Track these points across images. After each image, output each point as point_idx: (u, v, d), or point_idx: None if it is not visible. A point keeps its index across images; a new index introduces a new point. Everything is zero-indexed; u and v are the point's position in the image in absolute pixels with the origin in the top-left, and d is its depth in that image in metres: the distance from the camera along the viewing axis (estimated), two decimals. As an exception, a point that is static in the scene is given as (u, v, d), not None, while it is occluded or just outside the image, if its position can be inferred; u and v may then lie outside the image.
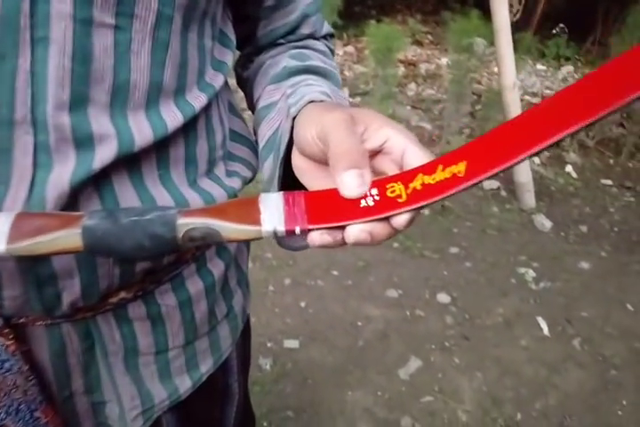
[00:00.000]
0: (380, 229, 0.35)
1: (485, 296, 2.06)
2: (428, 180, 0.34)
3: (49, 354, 0.49)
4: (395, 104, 3.08)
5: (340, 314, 1.90)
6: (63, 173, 0.40)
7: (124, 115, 0.43)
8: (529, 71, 4.00)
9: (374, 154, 0.38)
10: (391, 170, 0.38)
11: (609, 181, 3.00)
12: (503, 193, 2.75)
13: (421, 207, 0.34)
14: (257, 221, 0.35)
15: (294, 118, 0.44)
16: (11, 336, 0.44)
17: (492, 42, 2.83)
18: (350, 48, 3.95)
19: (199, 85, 0.48)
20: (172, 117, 0.45)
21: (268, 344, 1.74)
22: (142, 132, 0.43)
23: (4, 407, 0.45)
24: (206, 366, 0.61)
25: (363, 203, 0.35)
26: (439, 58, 3.90)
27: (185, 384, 0.59)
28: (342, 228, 0.35)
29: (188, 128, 0.48)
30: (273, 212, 0.36)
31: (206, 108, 0.50)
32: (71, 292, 0.45)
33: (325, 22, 0.63)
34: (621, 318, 2.02)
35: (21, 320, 0.46)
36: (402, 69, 3.67)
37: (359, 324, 1.87)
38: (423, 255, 2.25)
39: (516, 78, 2.47)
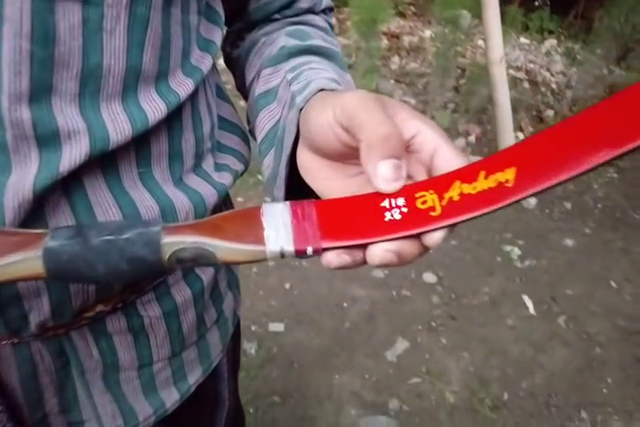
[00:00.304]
0: (409, 248, 0.29)
1: (471, 275, 2.05)
2: (468, 189, 0.28)
3: (18, 375, 0.44)
4: (379, 78, 3.01)
5: (326, 295, 1.87)
6: (24, 178, 0.34)
7: (97, 106, 0.36)
8: (513, 45, 3.93)
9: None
10: (418, 172, 0.32)
11: (592, 157, 2.99)
12: (488, 170, 2.72)
13: (459, 223, 0.28)
14: (260, 240, 0.30)
15: (301, 109, 0.37)
16: None
17: (476, 14, 2.76)
18: (332, 19, 3.84)
19: (184, 69, 0.42)
20: (154, 108, 0.39)
21: (253, 328, 1.70)
22: (118, 126, 0.37)
23: None
24: (195, 377, 0.56)
25: (388, 216, 0.29)
26: (422, 30, 3.81)
27: (172, 397, 0.54)
28: (363, 246, 0.30)
29: (172, 119, 0.42)
30: (279, 227, 0.30)
31: (192, 95, 0.43)
32: (39, 312, 0.40)
33: None
34: (605, 296, 2.02)
35: None
36: (385, 42, 3.57)
37: (345, 305, 1.84)
38: (408, 234, 2.22)
39: (503, 53, 2.42)
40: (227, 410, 0.67)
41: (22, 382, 0.44)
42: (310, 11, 0.54)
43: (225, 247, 0.30)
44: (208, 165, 0.48)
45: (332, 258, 0.30)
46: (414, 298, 1.91)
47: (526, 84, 3.52)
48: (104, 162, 0.38)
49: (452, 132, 2.91)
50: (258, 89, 0.47)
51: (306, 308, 1.80)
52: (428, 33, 3.72)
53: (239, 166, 0.52)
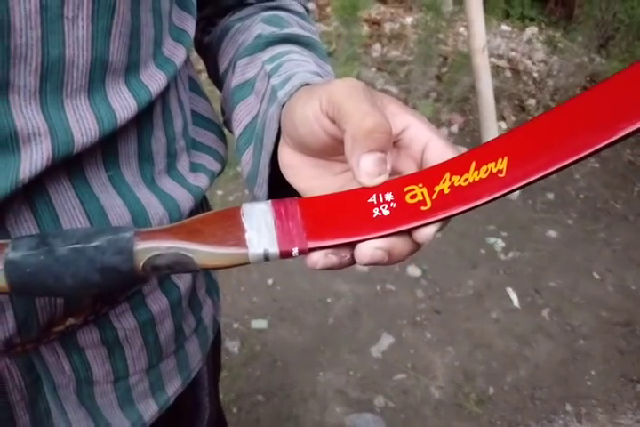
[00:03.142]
0: (400, 245, 0.28)
1: (455, 268, 2.03)
2: (459, 181, 0.27)
3: None
4: (360, 66, 2.96)
5: (309, 291, 1.83)
6: None
7: (59, 104, 0.32)
8: (494, 33, 3.90)
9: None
10: (408, 168, 0.30)
11: (574, 147, 2.99)
12: (470, 160, 2.71)
13: (451, 216, 0.27)
14: (241, 242, 0.27)
15: (284, 105, 0.34)
16: None
17: (458, 1, 2.72)
18: (311, 5, 3.77)
19: (156, 61, 0.38)
20: (123, 105, 0.35)
21: (235, 325, 1.66)
22: (84, 125, 0.33)
23: None
24: (174, 388, 0.53)
25: (376, 212, 0.28)
26: (404, 17, 3.76)
27: (150, 410, 0.51)
28: (351, 244, 0.28)
29: (142, 117, 0.38)
30: (261, 228, 0.28)
31: (164, 91, 0.39)
32: (4, 329, 0.36)
33: None
34: (588, 287, 2.02)
35: None
36: (366, 29, 3.52)
37: (329, 300, 1.81)
38: (392, 226, 2.20)
39: (485, 42, 2.39)
40: (207, 418, 0.64)
41: None
42: None
43: (204, 252, 0.27)
44: (183, 165, 0.44)
45: (319, 259, 0.28)
46: (398, 292, 1.88)
47: (508, 73, 3.51)
48: (69, 166, 0.35)
49: (434, 122, 2.88)
50: (234, 80, 0.44)
51: (289, 304, 1.77)
52: (409, 20, 3.68)
53: (216, 166, 0.49)
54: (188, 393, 0.56)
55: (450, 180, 0.27)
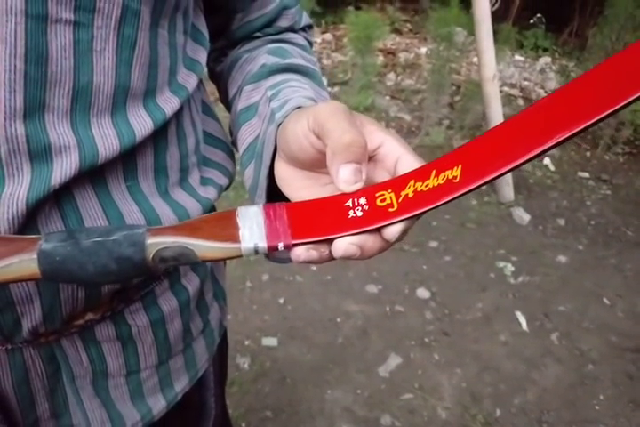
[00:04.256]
0: (371, 241, 0.32)
1: (465, 291, 2.05)
2: (421, 187, 0.31)
3: (11, 379, 0.45)
4: (374, 94, 3.04)
5: (319, 310, 1.87)
6: (18, 191, 0.36)
7: (87, 122, 0.38)
8: (507, 62, 3.98)
9: (369, 158, 0.34)
10: (383, 179, 0.35)
11: (586, 174, 3.01)
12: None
13: (414, 216, 0.31)
14: (235, 238, 0.32)
15: (280, 125, 0.39)
16: None
17: (471, 31, 2.80)
18: (329, 36, 3.88)
19: (171, 87, 0.44)
20: (141, 124, 0.41)
21: (246, 342, 1.70)
22: (107, 141, 0.39)
23: None
24: (181, 385, 0.57)
25: (351, 214, 0.32)
26: (418, 47, 3.85)
27: (159, 405, 0.55)
28: (329, 241, 0.32)
29: (158, 134, 0.43)
30: (253, 227, 0.33)
31: (178, 112, 0.45)
32: (31, 318, 0.41)
33: (304, 13, 0.59)
34: (598, 312, 2.03)
35: None
36: (381, 58, 3.62)
37: (338, 320, 1.84)
38: (403, 249, 2.23)
39: (496, 70, 2.45)
40: (213, 420, 0.67)
41: (15, 387, 0.46)
42: (290, 29, 0.56)
43: (203, 245, 0.32)
44: (194, 179, 0.49)
45: (301, 252, 0.32)
46: (407, 314, 1.91)
47: (520, 101, 3.56)
48: (93, 175, 0.40)
49: (446, 148, 2.93)
50: (240, 104, 0.49)
51: (299, 323, 1.81)
52: (423, 50, 3.77)
53: (224, 181, 0.54)
54: (194, 392, 0.60)
55: (414, 186, 0.31)
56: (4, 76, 0.33)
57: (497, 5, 4.26)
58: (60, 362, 0.47)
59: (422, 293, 2.01)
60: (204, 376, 0.62)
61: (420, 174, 0.32)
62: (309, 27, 0.60)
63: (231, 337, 1.68)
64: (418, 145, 2.95)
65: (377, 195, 0.32)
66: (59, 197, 0.38)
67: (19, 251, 0.31)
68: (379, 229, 0.32)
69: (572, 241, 2.45)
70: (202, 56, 0.48)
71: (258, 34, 0.55)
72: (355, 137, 0.31)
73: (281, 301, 1.88)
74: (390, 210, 0.32)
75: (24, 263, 0.31)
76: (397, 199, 0.32)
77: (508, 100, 3.54)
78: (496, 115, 2.53)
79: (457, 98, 3.29)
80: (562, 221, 2.58)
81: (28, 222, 0.37)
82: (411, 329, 1.85)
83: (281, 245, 0.32)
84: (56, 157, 0.37)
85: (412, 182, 0.32)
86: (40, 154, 0.36)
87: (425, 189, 0.31)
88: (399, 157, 0.34)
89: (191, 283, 0.54)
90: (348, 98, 2.88)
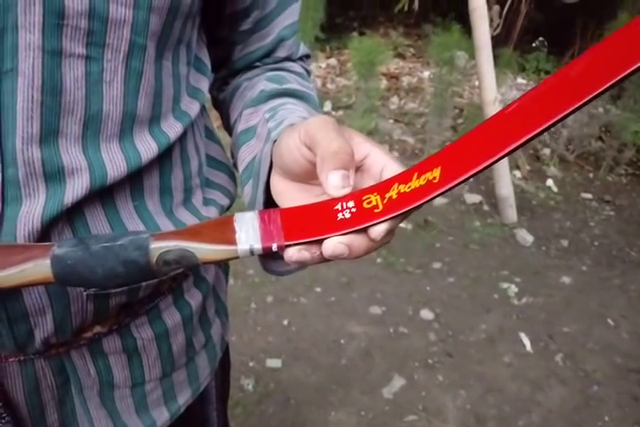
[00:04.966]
0: (358, 241, 0.34)
1: (468, 312, 2.06)
2: (404, 188, 0.33)
3: (23, 390, 0.48)
4: (377, 117, 3.08)
5: (323, 332, 1.88)
6: (34, 209, 0.39)
7: (97, 146, 0.41)
8: (510, 85, 4.03)
9: (357, 168, 0.37)
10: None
11: (589, 195, 3.03)
12: (485, 207, 2.76)
13: (397, 216, 0.33)
14: (232, 241, 0.34)
15: (275, 142, 0.42)
16: None
17: (473, 55, 2.86)
18: (333, 61, 3.96)
19: (174, 114, 0.47)
20: (147, 148, 0.44)
21: (251, 364, 1.71)
22: (115, 163, 0.42)
23: None
24: (184, 398, 0.59)
25: (339, 216, 0.35)
26: (421, 71, 3.92)
27: (162, 417, 0.57)
28: (320, 242, 0.34)
29: (163, 157, 0.47)
30: (248, 230, 0.35)
31: (181, 137, 0.49)
32: (44, 329, 0.44)
33: (302, 44, 0.62)
34: (602, 333, 2.03)
35: None
36: (384, 82, 3.68)
37: (342, 342, 1.85)
38: (406, 271, 2.25)
39: (497, 93, 2.49)
40: (215, 434, 0.69)
41: (27, 397, 0.48)
42: (288, 59, 0.59)
43: (203, 248, 0.34)
44: (197, 199, 0.52)
45: (293, 253, 0.34)
46: (411, 335, 1.92)
47: (523, 124, 3.60)
48: (103, 195, 0.43)
49: (449, 170, 2.96)
50: (240, 127, 0.52)
51: (303, 344, 1.82)
52: (426, 74, 3.83)
53: (225, 201, 0.56)
54: (197, 406, 0.62)
55: (397, 188, 0.34)
56: (22, 106, 0.37)
57: (498, 30, 4.34)
58: (69, 373, 0.50)
59: (426, 314, 2.02)
60: (207, 390, 0.64)
61: (403, 178, 0.34)
62: (307, 56, 0.63)
63: (235, 358, 1.69)
64: (421, 167, 2.98)
65: (364, 198, 0.35)
66: (70, 215, 0.41)
67: (33, 257, 0.34)
68: (365, 230, 0.34)
69: (575, 262, 2.45)
70: (204, 84, 0.52)
71: (257, 64, 0.58)
72: (342, 145, 0.34)
73: (285, 322, 1.90)
74: (376, 211, 0.34)
75: (38, 268, 0.34)
76: (382, 201, 0.34)
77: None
78: (498, 137, 2.56)
79: (460, 121, 3.33)
80: (565, 243, 2.59)
81: (43, 238, 0.40)
82: (414, 350, 1.85)
83: (274, 246, 0.34)
84: (69, 178, 0.40)
85: (395, 185, 0.34)
86: (54, 176, 0.40)
87: (408, 190, 0.33)
88: (384, 166, 0.36)
89: (194, 298, 0.56)
90: (351, 121, 2.93)
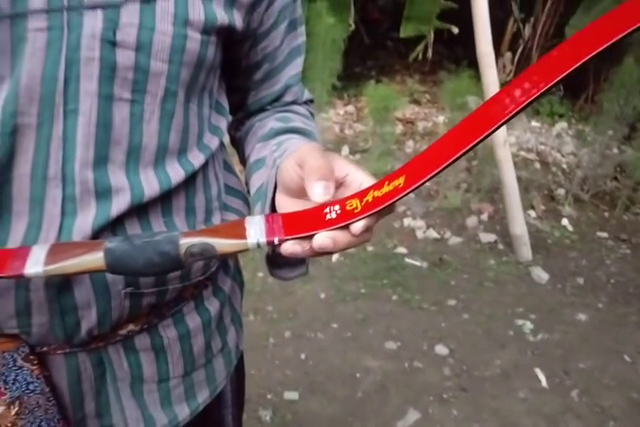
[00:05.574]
0: (341, 236, 0.43)
1: (483, 348, 2.09)
2: (377, 193, 0.43)
3: (66, 380, 0.56)
4: (393, 161, 3.20)
5: (340, 366, 1.93)
6: (86, 220, 0.49)
7: (137, 171, 0.52)
8: (524, 128, 4.14)
9: (338, 186, 0.46)
10: None
11: (605, 234, 3.06)
12: (500, 246, 2.81)
13: (373, 214, 0.42)
14: (244, 236, 0.44)
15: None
16: (35, 362, 0.52)
17: (485, 100, 2.97)
18: (351, 107, 4.13)
19: (198, 147, 0.58)
20: (176, 173, 0.54)
21: (268, 396, 1.77)
22: (151, 185, 0.52)
23: (28, 424, 0.52)
24: (203, 397, 0.67)
25: (327, 216, 0.44)
26: (436, 116, 4.06)
27: (184, 412, 0.65)
28: (312, 238, 0.43)
29: (188, 182, 0.57)
30: (256, 228, 0.44)
31: (204, 166, 0.59)
32: (89, 320, 0.53)
33: (306, 90, 0.73)
34: (619, 369, 2.04)
35: (44, 349, 0.53)
36: (400, 127, 3.82)
37: (358, 375, 1.90)
38: (421, 308, 2.30)
39: (506, 135, 2.59)
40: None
41: (69, 386, 0.57)
42: (294, 102, 0.70)
43: (221, 242, 0.44)
44: (216, 219, 0.62)
45: (288, 246, 0.43)
46: (426, 370, 1.96)
47: (537, 165, 3.68)
48: (140, 211, 0.53)
49: (465, 211, 3.04)
50: (252, 158, 0.63)
51: (320, 377, 1.87)
52: (441, 118, 3.96)
53: None
54: (214, 407, 0.70)
55: (372, 193, 0.43)
56: (82, 138, 0.48)
57: (511, 75, 4.49)
58: (105, 366, 0.59)
59: (441, 349, 2.05)
60: (223, 394, 0.72)
61: (377, 186, 0.44)
62: (311, 101, 0.74)
63: (254, 390, 1.75)
64: (436, 208, 3.06)
65: (346, 202, 0.44)
66: (114, 226, 0.51)
67: (89, 250, 0.44)
68: (347, 227, 0.43)
69: (591, 299, 2.47)
70: (223, 124, 0.63)
71: (268, 107, 0.69)
72: (323, 162, 0.44)
73: (302, 356, 1.96)
74: (356, 211, 0.43)
75: (94, 258, 0.43)
76: (361, 204, 0.43)
77: (524, 163, 3.66)
78: (509, 178, 2.64)
79: (474, 163, 3.43)
80: (581, 280, 2.61)
81: None
82: (429, 385, 1.89)
83: (276, 240, 0.44)
84: (114, 196, 0.51)
85: (371, 192, 0.43)
86: (103, 193, 0.50)
87: (380, 194, 0.43)
88: (362, 182, 0.46)
89: (212, 305, 0.65)
90: (367, 164, 3.05)
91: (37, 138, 0.47)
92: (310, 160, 0.45)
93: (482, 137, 0.38)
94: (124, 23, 0.47)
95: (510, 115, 0.36)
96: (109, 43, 0.46)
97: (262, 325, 2.11)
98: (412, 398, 1.82)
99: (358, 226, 0.42)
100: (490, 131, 0.37)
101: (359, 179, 0.46)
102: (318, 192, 0.43)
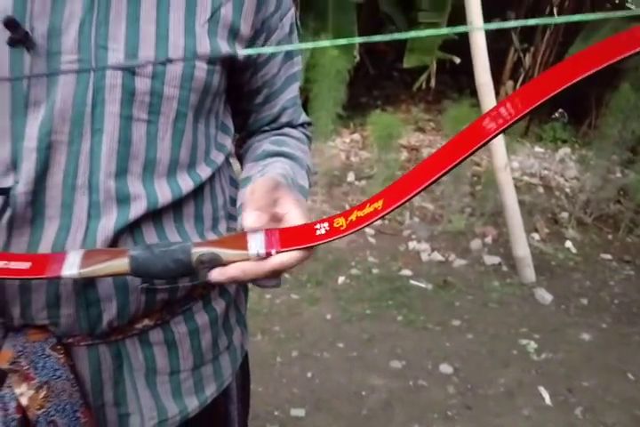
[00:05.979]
0: (250, 267, 0.50)
1: (487, 367, 2.13)
2: (360, 214, 0.49)
3: (88, 369, 0.63)
4: (398, 186, 3.27)
5: (345, 384, 1.97)
6: (108, 223, 0.57)
7: (152, 181, 0.60)
8: (527, 153, 4.22)
9: (277, 220, 0.53)
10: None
11: (608, 256, 3.10)
12: (504, 268, 2.86)
13: (356, 231, 0.49)
14: (246, 248, 0.50)
15: None
16: (62, 351, 0.59)
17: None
18: (356, 136, 4.24)
19: (205, 161, 0.66)
20: (186, 184, 0.62)
21: (276, 413, 1.81)
22: (164, 194, 0.60)
23: (54, 406, 0.59)
24: (210, 390, 0.74)
25: (318, 232, 0.50)
26: (440, 143, 4.15)
27: (193, 404, 0.72)
28: (304, 249, 0.50)
29: (197, 192, 0.65)
30: (257, 241, 0.51)
31: (211, 179, 0.67)
32: (110, 312, 0.60)
33: (303, 113, 0.80)
34: (622, 388, 2.06)
35: (69, 340, 0.60)
36: (405, 154, 3.92)
37: (363, 393, 1.94)
38: (426, 328, 2.34)
39: (507, 160, 2.67)
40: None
41: (91, 376, 0.63)
42: (289, 124, 0.77)
43: (226, 252, 0.50)
44: (222, 227, 0.70)
45: (215, 275, 0.50)
46: (431, 388, 1.99)
47: (541, 189, 3.75)
48: (154, 216, 0.61)
49: (469, 234, 3.10)
50: (243, 175, 0.70)
51: (326, 395, 1.91)
52: (445, 145, 4.05)
53: None
54: (220, 402, 0.76)
55: (356, 214, 0.49)
56: (106, 153, 0.56)
57: (514, 103, 4.58)
58: (123, 358, 0.65)
59: (445, 368, 2.09)
60: (230, 389, 0.78)
61: (360, 207, 0.50)
62: (308, 124, 0.82)
63: (262, 408, 1.80)
64: (441, 231, 3.13)
65: (334, 220, 0.51)
66: (132, 229, 0.59)
67: (116, 256, 0.51)
68: (333, 240, 0.50)
69: (595, 320, 2.51)
70: (228, 142, 0.71)
71: (266, 128, 0.77)
72: (260, 197, 0.51)
73: (309, 375, 2.00)
74: (341, 228, 0.50)
75: (120, 263, 0.50)
76: (346, 222, 0.50)
77: (528, 188, 3.73)
78: (511, 202, 2.70)
79: (478, 187, 3.50)
80: (585, 301, 2.65)
81: (113, 244, 0.57)
82: (434, 403, 1.92)
83: (274, 251, 0.50)
84: (133, 202, 0.58)
85: (355, 212, 0.50)
86: (123, 200, 0.58)
87: (362, 214, 0.49)
88: (295, 224, 0.52)
89: (219, 305, 0.72)
90: (372, 190, 3.13)
91: (68, 153, 0.55)
92: (258, 191, 0.52)
93: (452, 165, 0.43)
94: (143, 56, 0.55)
95: (481, 144, 0.42)
96: (130, 72, 0.55)
97: (270, 344, 2.17)
98: (417, 416, 1.86)
99: (274, 262, 0.49)
100: (459, 159, 0.43)
101: (294, 221, 0.52)
102: (250, 221, 0.50)
